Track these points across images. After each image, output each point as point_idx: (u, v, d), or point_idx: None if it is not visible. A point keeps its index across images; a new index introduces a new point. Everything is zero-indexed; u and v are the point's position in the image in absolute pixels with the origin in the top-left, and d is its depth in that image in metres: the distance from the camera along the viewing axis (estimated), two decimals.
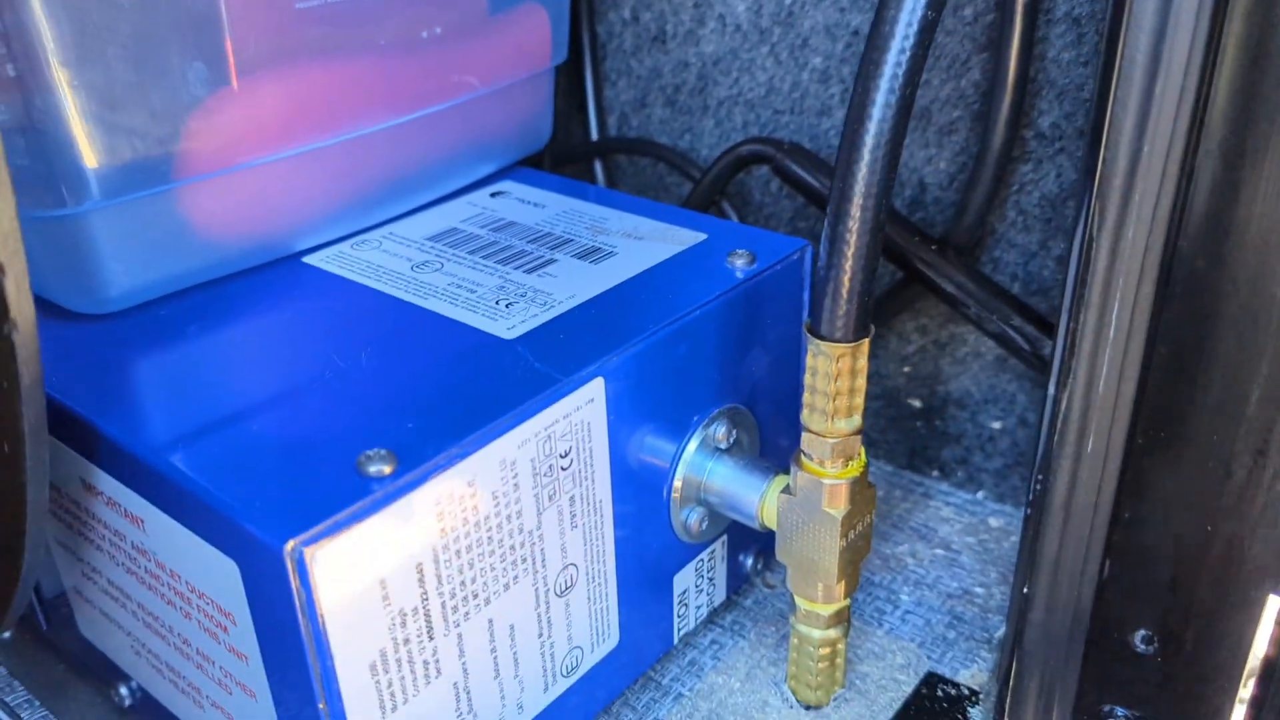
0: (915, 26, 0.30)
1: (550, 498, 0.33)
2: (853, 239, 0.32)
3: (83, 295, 0.36)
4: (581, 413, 0.33)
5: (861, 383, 0.34)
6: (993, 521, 0.51)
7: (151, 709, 0.37)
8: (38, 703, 0.42)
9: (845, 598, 0.38)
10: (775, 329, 0.41)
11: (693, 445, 0.38)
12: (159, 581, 0.32)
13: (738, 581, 0.44)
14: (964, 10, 0.44)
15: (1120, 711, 0.35)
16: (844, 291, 0.32)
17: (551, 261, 0.40)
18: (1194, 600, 0.32)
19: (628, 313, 0.36)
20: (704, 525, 0.39)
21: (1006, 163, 0.44)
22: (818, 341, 0.33)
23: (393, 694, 0.30)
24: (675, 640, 0.42)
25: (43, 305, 0.38)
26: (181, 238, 0.37)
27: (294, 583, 0.27)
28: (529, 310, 0.36)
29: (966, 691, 0.41)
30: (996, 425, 0.51)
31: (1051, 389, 0.32)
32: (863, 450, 0.36)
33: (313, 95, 0.38)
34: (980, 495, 0.53)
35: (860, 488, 0.36)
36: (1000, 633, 0.44)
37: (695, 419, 0.38)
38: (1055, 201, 0.45)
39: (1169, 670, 0.34)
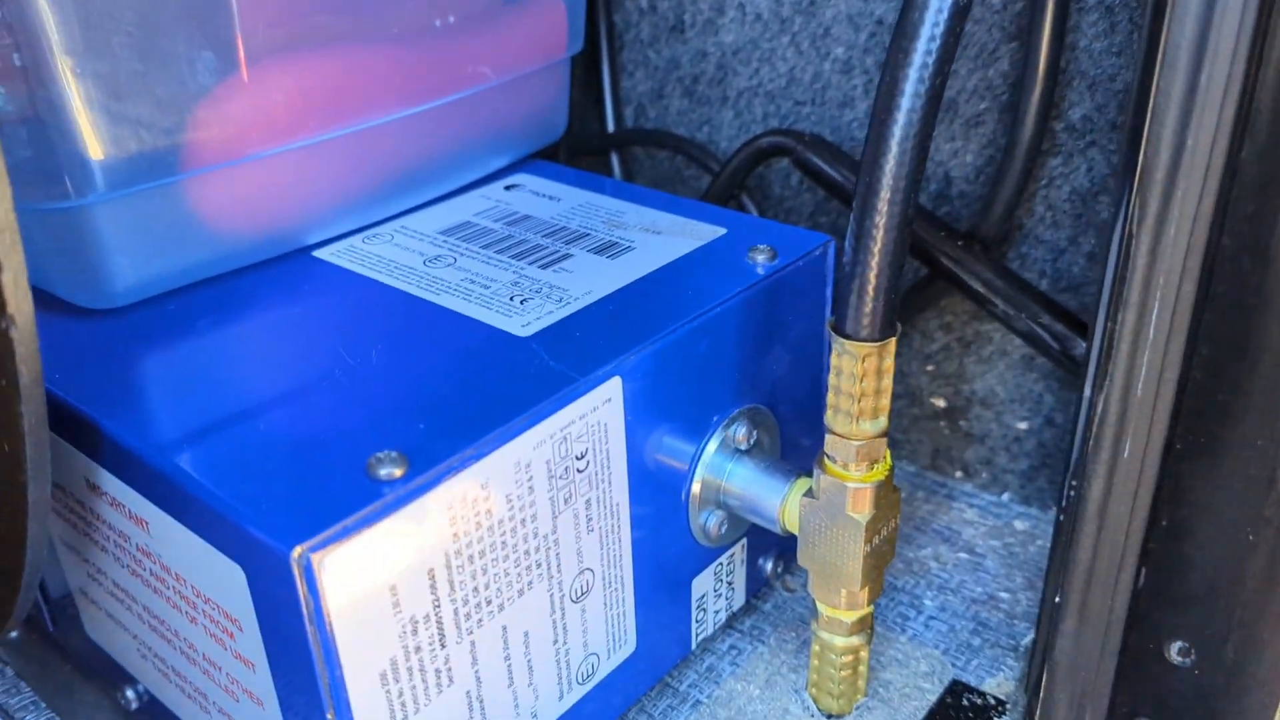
0: (946, 13, 0.28)
1: (566, 501, 0.32)
2: (879, 234, 0.30)
3: (87, 290, 0.36)
4: (598, 413, 0.32)
5: (888, 383, 0.33)
6: (1018, 524, 0.50)
7: (158, 713, 0.36)
8: (43, 705, 0.41)
9: (868, 604, 0.37)
10: (797, 327, 0.39)
11: (712, 446, 0.37)
12: (164, 585, 0.31)
13: (757, 585, 0.43)
14: None
15: None
16: (870, 289, 0.31)
17: (567, 256, 0.39)
18: (1233, 611, 0.31)
19: (646, 309, 0.35)
20: (723, 528, 0.38)
21: (1036, 156, 0.43)
22: (842, 340, 0.32)
23: (404, 704, 0.29)
24: (693, 646, 0.41)
25: (46, 300, 0.37)
26: (188, 231, 0.36)
27: (302, 590, 0.26)
28: (544, 307, 0.35)
29: (993, 701, 0.40)
30: (1023, 426, 0.49)
31: (1087, 391, 0.31)
32: (888, 453, 0.34)
33: (323, 85, 0.38)
34: (1005, 497, 0.51)
35: (885, 491, 0.34)
36: (1027, 640, 0.43)
37: (715, 419, 0.37)
38: (1086, 196, 0.44)
39: (1206, 683, 0.33)
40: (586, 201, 0.44)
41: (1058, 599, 0.34)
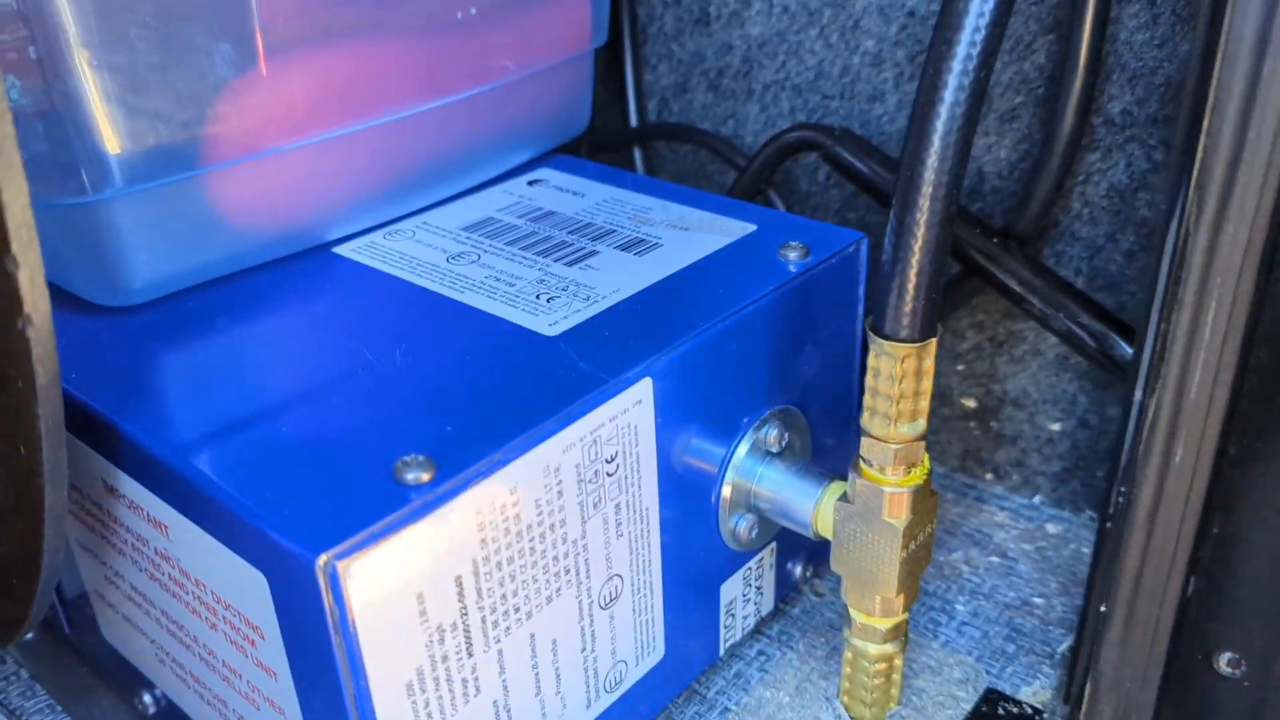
0: (991, 2, 0.27)
1: (595, 505, 0.31)
2: (921, 231, 0.29)
3: (104, 287, 0.35)
4: (629, 415, 0.31)
5: (927, 385, 0.32)
6: (1050, 528, 0.48)
7: (176, 719, 0.36)
8: (59, 708, 0.40)
9: (904, 611, 0.36)
10: (829, 326, 0.38)
11: (743, 449, 0.36)
12: (183, 590, 0.30)
13: (786, 590, 0.42)
14: None
15: None
16: (910, 287, 0.30)
17: (594, 253, 0.38)
18: None
19: (676, 308, 0.34)
20: (754, 533, 0.37)
21: (1075, 151, 0.42)
22: (881, 340, 0.31)
23: (429, 715, 0.28)
24: (721, 652, 0.40)
25: (63, 297, 0.36)
26: (207, 227, 0.35)
27: (326, 598, 0.25)
28: (571, 305, 0.34)
29: (1030, 710, 0.39)
30: (1055, 427, 0.48)
31: (1138, 394, 0.30)
32: (926, 456, 0.33)
33: (344, 78, 0.37)
34: (1037, 500, 0.50)
35: (923, 496, 0.33)
36: (1063, 647, 0.42)
37: (745, 421, 0.36)
38: (1125, 192, 0.43)
39: (1257, 695, 0.31)
40: (612, 197, 0.43)
41: (1103, 608, 0.33)
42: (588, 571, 0.32)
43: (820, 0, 0.48)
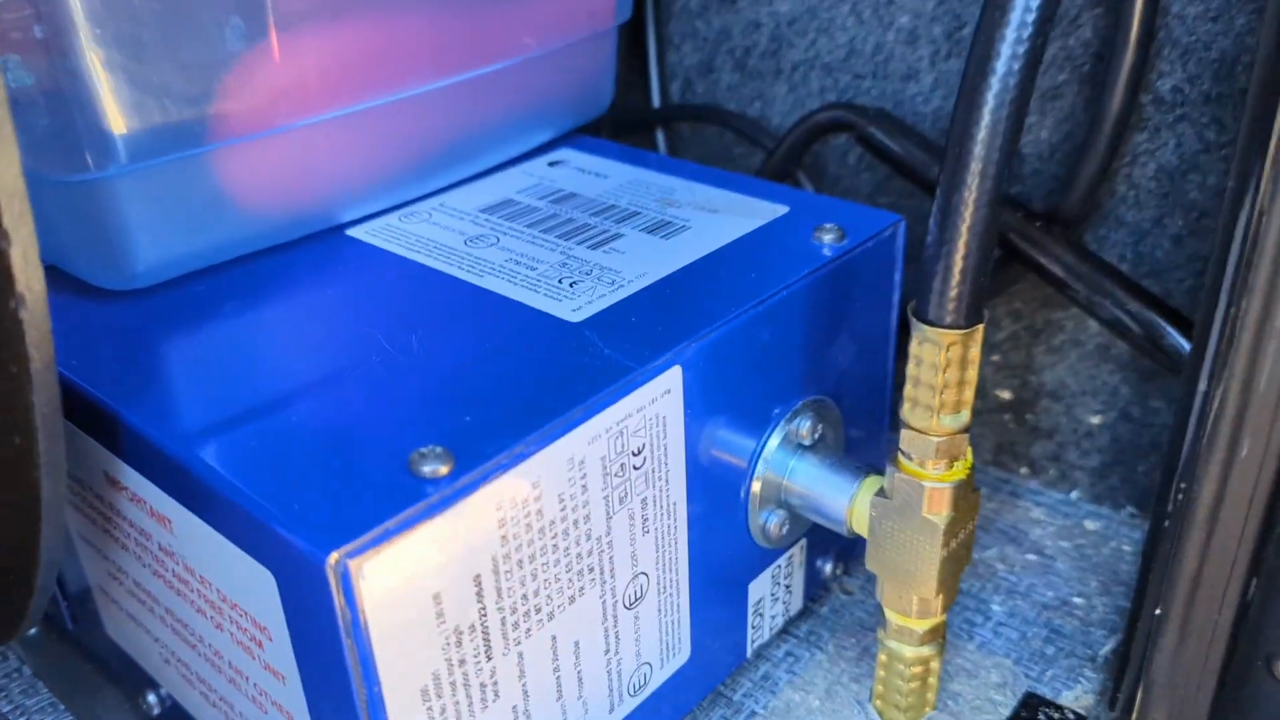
0: None
1: (621, 500, 0.30)
2: (969, 211, 0.28)
3: (108, 269, 0.33)
4: (657, 405, 0.30)
5: (972, 374, 0.30)
6: (1089, 524, 0.47)
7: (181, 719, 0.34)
8: (62, 706, 0.39)
9: (942, 612, 0.34)
10: (864, 313, 0.37)
11: (774, 441, 0.34)
12: (188, 587, 0.29)
13: (815, 588, 0.41)
14: None
15: None
16: (957, 271, 0.28)
17: (618, 236, 0.36)
18: None
19: (705, 294, 0.33)
20: (784, 529, 0.36)
21: (1123, 130, 0.40)
22: (925, 327, 0.29)
23: None
24: (748, 653, 0.38)
25: (64, 279, 0.35)
26: (215, 207, 0.34)
27: (338, 599, 0.23)
28: (596, 290, 0.33)
29: (1072, 716, 0.37)
30: (1095, 420, 0.46)
31: (1201, 385, 0.28)
32: (969, 450, 0.32)
33: (358, 53, 0.35)
34: (1074, 495, 0.48)
35: (965, 492, 0.32)
36: (1106, 649, 0.40)
37: (777, 412, 0.34)
38: (1174, 174, 0.41)
39: None
40: (636, 178, 0.41)
41: (1158, 610, 0.31)
42: (612, 570, 0.30)
43: None
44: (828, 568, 0.41)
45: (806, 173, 0.49)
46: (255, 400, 0.28)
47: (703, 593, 0.34)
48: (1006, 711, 0.38)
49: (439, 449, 0.25)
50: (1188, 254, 0.41)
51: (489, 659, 0.27)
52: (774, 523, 0.35)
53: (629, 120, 0.56)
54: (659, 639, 0.33)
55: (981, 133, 0.27)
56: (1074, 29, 0.41)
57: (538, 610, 0.28)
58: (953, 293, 0.29)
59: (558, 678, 0.30)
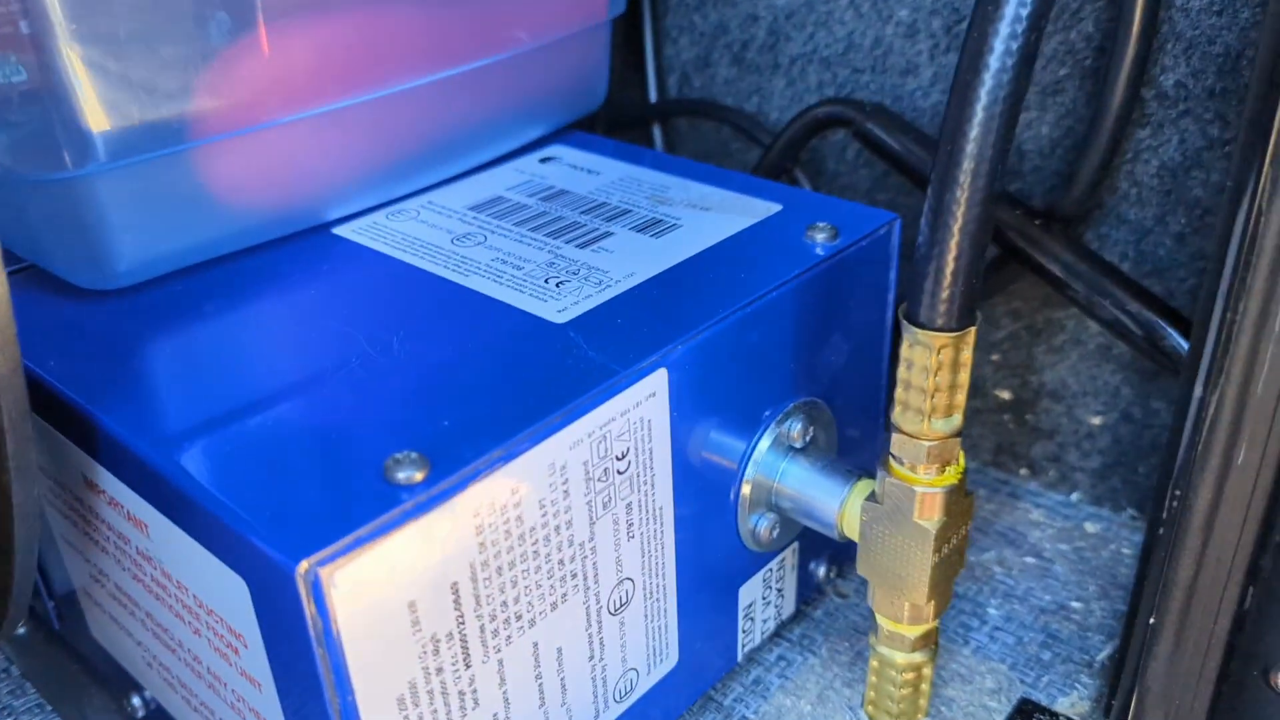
0: None
1: (605, 505, 0.29)
2: (960, 211, 0.27)
3: (87, 268, 0.33)
4: (641, 409, 0.29)
5: (964, 378, 0.30)
6: (1089, 527, 0.46)
7: None
8: (49, 708, 0.39)
9: (934, 619, 0.33)
10: (858, 314, 0.36)
11: (764, 444, 0.34)
12: (166, 592, 0.29)
13: (808, 592, 0.40)
14: None
15: None
16: (948, 272, 0.28)
17: (608, 235, 0.36)
18: None
19: (694, 294, 0.32)
20: (775, 533, 0.35)
21: (1125, 126, 0.39)
22: (915, 329, 0.29)
23: None
24: (739, 657, 0.38)
25: (45, 279, 0.34)
26: (197, 205, 0.33)
27: (309, 607, 0.23)
28: (582, 290, 0.32)
29: None
30: (1096, 421, 0.46)
31: (1197, 389, 0.27)
32: (961, 454, 0.31)
33: (344, 47, 0.34)
34: (1074, 497, 0.48)
35: (957, 497, 0.31)
36: (1103, 655, 0.39)
37: (767, 414, 0.34)
38: (1176, 171, 0.40)
39: None
40: (628, 175, 0.41)
41: (1152, 619, 0.30)
42: (596, 576, 0.30)
43: None
44: (821, 571, 0.40)
45: (804, 169, 0.48)
46: (232, 404, 0.28)
47: (691, 597, 0.34)
48: (1000, 718, 0.37)
49: (414, 454, 0.25)
50: (1191, 253, 0.40)
51: (468, 667, 0.27)
52: (764, 526, 0.35)
53: (625, 116, 0.55)
54: (646, 644, 0.33)
55: (974, 130, 0.26)
56: (1075, 22, 0.40)
57: (518, 617, 0.28)
58: (944, 294, 0.28)
59: (540, 685, 0.29)
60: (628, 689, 0.33)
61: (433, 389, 0.28)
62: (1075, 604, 0.42)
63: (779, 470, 0.34)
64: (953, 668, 0.39)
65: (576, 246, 0.35)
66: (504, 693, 0.28)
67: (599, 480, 0.28)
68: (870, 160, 0.48)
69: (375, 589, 0.24)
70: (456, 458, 0.25)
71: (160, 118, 0.31)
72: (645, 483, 0.30)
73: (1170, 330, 0.39)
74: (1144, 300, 0.39)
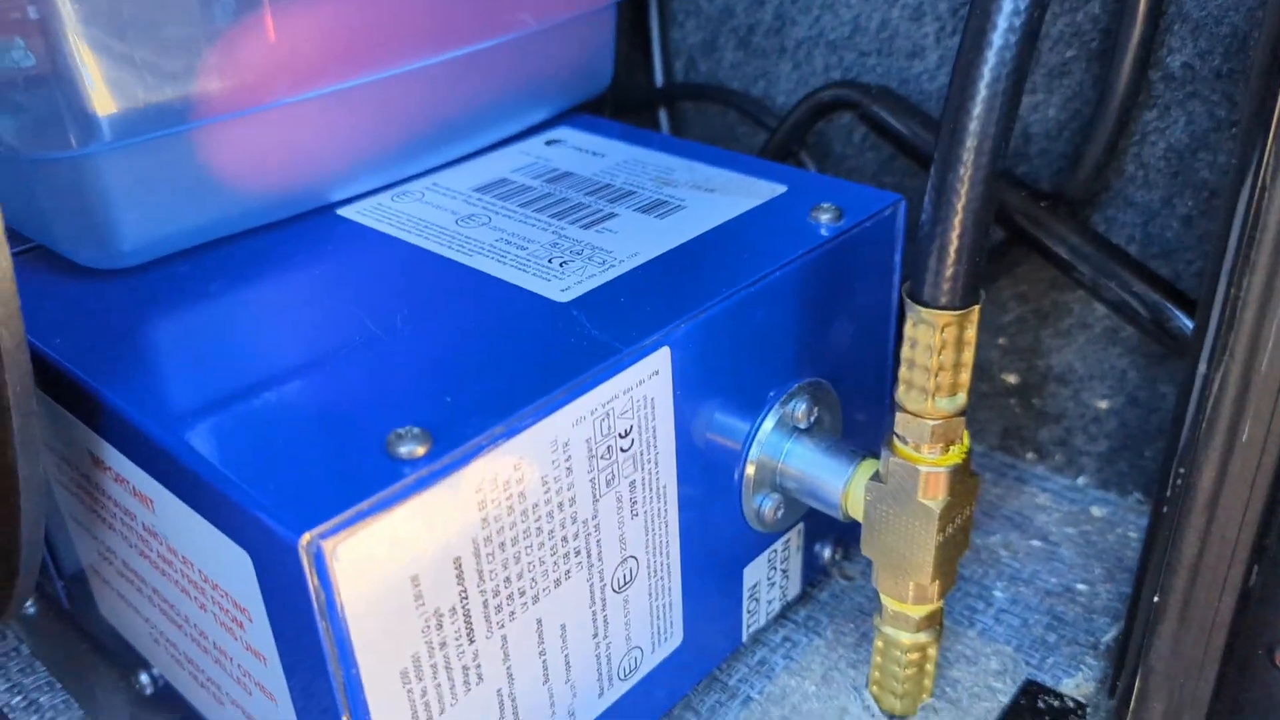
0: None
1: (608, 483, 0.29)
2: (964, 189, 0.27)
3: (92, 248, 0.33)
4: (644, 387, 0.29)
5: (968, 356, 0.29)
6: (1095, 510, 0.46)
7: (173, 699, 0.34)
8: (58, 685, 0.39)
9: (939, 599, 0.33)
10: (863, 294, 0.36)
11: (768, 424, 0.34)
12: (171, 568, 0.29)
13: (813, 573, 0.40)
14: None
15: None
16: (952, 250, 0.28)
17: (612, 216, 0.36)
18: None
19: (698, 274, 0.32)
20: (779, 513, 0.35)
21: (1131, 108, 0.39)
22: (919, 308, 0.29)
23: (427, 704, 0.26)
24: (744, 638, 0.38)
25: (49, 258, 0.35)
26: (202, 185, 0.33)
27: (311, 580, 0.23)
28: (586, 270, 0.32)
29: (1071, 704, 0.37)
30: (1103, 404, 0.46)
31: (1202, 367, 0.27)
32: (966, 434, 0.31)
33: (350, 27, 0.35)
34: (1081, 481, 0.48)
35: (961, 476, 0.31)
36: (1108, 637, 0.39)
37: (772, 395, 0.34)
38: (1184, 153, 0.40)
39: None
40: (633, 157, 0.41)
41: (1156, 598, 0.30)
42: (600, 553, 0.30)
43: None
44: (827, 552, 0.40)
45: (810, 152, 0.48)
46: (236, 381, 0.28)
47: (696, 577, 0.34)
48: (1005, 699, 0.37)
49: (417, 430, 0.25)
50: (1198, 235, 0.40)
51: (471, 642, 0.27)
52: (769, 506, 0.35)
53: (631, 100, 0.55)
54: (650, 623, 0.33)
55: (977, 108, 0.26)
56: (1082, 3, 0.40)
57: (522, 593, 0.28)
58: (948, 272, 0.28)
59: (544, 661, 0.29)
60: (632, 667, 0.33)
61: (436, 366, 0.28)
62: (1081, 587, 0.42)
63: (783, 450, 0.34)
64: (958, 649, 0.39)
65: (581, 227, 0.35)
66: (508, 668, 0.28)
67: (602, 458, 0.29)
68: (876, 143, 0.48)
69: (378, 563, 0.24)
70: (459, 433, 0.25)
71: (165, 98, 0.31)
72: (649, 461, 0.30)
73: (1177, 312, 0.38)
74: (1151, 283, 0.39)
